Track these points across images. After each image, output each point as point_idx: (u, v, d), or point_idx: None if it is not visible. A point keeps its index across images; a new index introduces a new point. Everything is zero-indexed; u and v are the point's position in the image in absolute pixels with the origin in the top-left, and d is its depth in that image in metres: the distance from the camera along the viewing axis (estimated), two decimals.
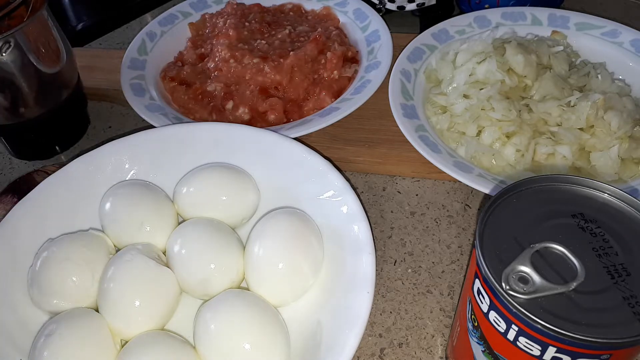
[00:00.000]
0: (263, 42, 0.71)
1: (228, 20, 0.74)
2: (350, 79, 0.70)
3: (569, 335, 0.30)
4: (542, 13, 0.70)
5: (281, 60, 0.68)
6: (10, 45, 0.55)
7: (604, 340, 0.29)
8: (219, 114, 0.66)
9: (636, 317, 0.30)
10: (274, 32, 0.74)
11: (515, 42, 0.62)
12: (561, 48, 0.65)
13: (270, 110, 0.66)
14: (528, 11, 0.71)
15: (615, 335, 0.29)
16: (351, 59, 0.72)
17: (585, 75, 0.62)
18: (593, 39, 0.67)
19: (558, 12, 0.70)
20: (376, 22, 0.74)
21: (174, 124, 0.61)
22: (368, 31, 0.74)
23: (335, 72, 0.69)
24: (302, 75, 0.68)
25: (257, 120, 0.66)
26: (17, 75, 0.58)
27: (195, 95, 0.68)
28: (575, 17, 0.69)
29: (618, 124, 0.55)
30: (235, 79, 0.68)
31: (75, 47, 0.74)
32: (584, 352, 0.30)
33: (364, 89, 0.64)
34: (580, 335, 0.29)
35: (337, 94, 0.68)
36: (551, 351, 0.31)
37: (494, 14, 0.71)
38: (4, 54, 0.55)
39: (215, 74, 0.69)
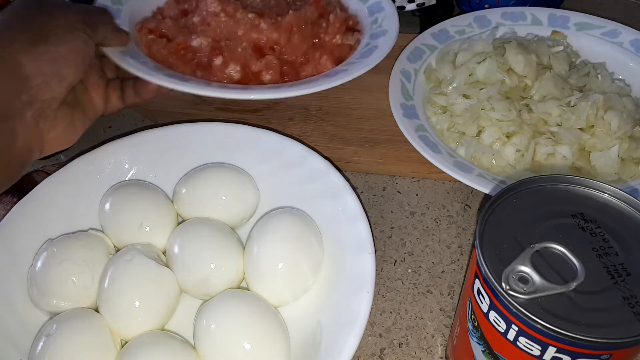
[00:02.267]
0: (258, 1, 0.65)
1: None
2: (351, 48, 0.64)
3: (569, 335, 0.30)
4: (542, 13, 0.70)
5: (279, 18, 0.61)
6: None
7: (604, 340, 0.29)
8: (204, 71, 0.59)
9: (636, 317, 0.30)
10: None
11: (515, 42, 0.62)
12: (561, 48, 0.65)
13: (265, 70, 0.59)
14: (528, 11, 0.71)
15: (616, 335, 0.29)
16: (351, 28, 0.66)
17: (585, 75, 0.62)
18: (593, 39, 0.67)
19: (558, 12, 0.70)
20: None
21: (153, 70, 0.54)
22: (369, 2, 0.69)
23: (337, 36, 0.63)
24: (302, 37, 0.61)
25: (249, 79, 0.59)
26: None
27: (176, 50, 0.60)
28: (575, 17, 0.69)
29: (618, 124, 0.55)
30: (225, 34, 0.60)
31: None
32: (584, 352, 0.30)
33: (371, 54, 0.60)
34: (580, 335, 0.29)
35: (338, 61, 0.62)
36: (551, 351, 0.31)
37: (494, 14, 0.71)
38: None
39: (202, 28, 0.61)
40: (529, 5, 0.73)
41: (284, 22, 0.60)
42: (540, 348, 0.31)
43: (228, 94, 0.53)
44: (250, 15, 0.60)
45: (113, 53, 0.54)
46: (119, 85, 0.55)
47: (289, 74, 0.60)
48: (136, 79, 0.54)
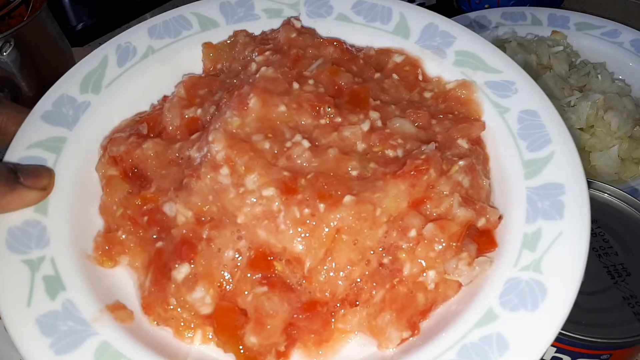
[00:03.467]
0: (304, 140, 0.34)
1: (263, 68, 0.37)
2: (460, 287, 0.32)
3: (569, 336, 0.30)
4: (542, 13, 0.70)
5: (320, 204, 0.31)
6: (10, 45, 0.55)
7: (604, 341, 0.30)
8: (157, 278, 0.33)
9: (636, 317, 0.30)
10: (343, 117, 0.35)
11: (515, 42, 0.62)
12: (561, 48, 0.65)
13: (258, 315, 0.31)
14: (528, 11, 0.71)
15: (616, 335, 0.30)
16: (481, 234, 0.33)
17: (585, 75, 0.62)
18: (593, 39, 0.67)
19: (558, 12, 0.70)
20: (565, 150, 0.33)
21: None
22: (544, 172, 0.33)
23: (430, 270, 0.31)
24: (355, 254, 0.32)
25: (224, 325, 0.31)
26: (16, 75, 0.58)
27: (138, 211, 0.35)
28: (575, 17, 0.69)
29: (618, 124, 0.55)
30: (217, 212, 0.33)
31: (75, 47, 0.74)
32: (584, 352, 0.30)
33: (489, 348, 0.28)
34: (580, 335, 0.29)
35: (414, 318, 0.31)
36: (551, 351, 0.31)
37: (494, 14, 0.71)
38: (4, 54, 0.55)
39: (189, 183, 0.34)
40: (529, 5, 0.73)
41: (323, 219, 0.31)
42: None
43: None
44: (268, 192, 0.32)
45: None
46: None
47: (305, 325, 0.31)
48: None
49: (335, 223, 0.31)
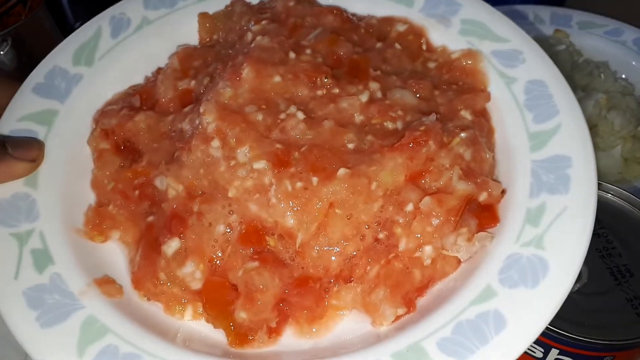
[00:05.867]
0: (299, 112, 0.33)
1: (258, 37, 0.36)
2: (459, 263, 0.31)
3: (571, 337, 0.29)
4: (545, 12, 0.70)
5: (313, 177, 0.31)
6: (7, 44, 0.55)
7: (607, 342, 0.29)
8: (148, 253, 0.32)
9: (639, 318, 0.30)
10: (340, 88, 0.35)
11: None
12: (564, 47, 0.65)
13: (249, 290, 0.31)
14: (531, 10, 0.71)
15: (619, 336, 0.30)
16: (483, 209, 0.32)
17: (588, 74, 0.62)
18: (596, 37, 0.67)
19: (561, 10, 0.70)
20: (573, 121, 0.33)
21: None
22: (550, 145, 0.32)
23: (426, 245, 0.31)
24: (349, 228, 0.31)
25: (214, 301, 0.31)
26: (13, 74, 0.58)
27: (130, 185, 0.34)
28: (578, 16, 0.69)
29: (621, 124, 0.54)
30: (208, 186, 0.33)
31: None
32: (587, 354, 0.30)
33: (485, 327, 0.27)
34: (582, 337, 0.29)
35: (410, 294, 0.31)
36: (554, 353, 0.31)
37: None
38: (1, 52, 0.55)
39: (178, 153, 0.33)
40: (532, 4, 0.73)
41: (316, 193, 0.30)
42: (542, 350, 0.31)
43: None
44: (258, 165, 0.31)
45: None
46: None
47: (298, 302, 0.31)
48: None
49: (329, 197, 0.30)
